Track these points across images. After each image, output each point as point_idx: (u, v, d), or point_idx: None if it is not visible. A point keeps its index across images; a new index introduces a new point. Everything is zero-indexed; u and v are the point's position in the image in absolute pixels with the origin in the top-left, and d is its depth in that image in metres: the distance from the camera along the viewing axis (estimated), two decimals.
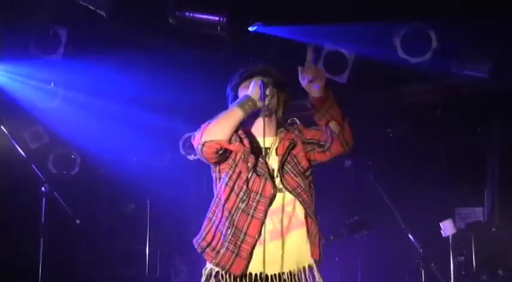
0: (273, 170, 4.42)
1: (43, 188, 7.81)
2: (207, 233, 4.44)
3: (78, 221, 7.74)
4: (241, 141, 4.33)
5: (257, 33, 8.42)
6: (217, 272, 4.34)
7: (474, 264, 8.15)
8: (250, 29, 8.44)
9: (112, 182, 10.00)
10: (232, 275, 4.28)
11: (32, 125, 10.06)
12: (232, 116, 4.20)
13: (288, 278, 4.36)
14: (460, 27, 7.80)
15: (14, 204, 8.70)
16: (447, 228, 7.31)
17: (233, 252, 4.26)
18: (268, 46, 8.71)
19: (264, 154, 4.43)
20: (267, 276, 4.30)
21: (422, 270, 7.22)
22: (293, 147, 4.52)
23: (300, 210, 4.46)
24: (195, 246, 4.51)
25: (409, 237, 7.07)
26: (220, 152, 4.23)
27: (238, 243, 4.25)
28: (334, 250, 8.74)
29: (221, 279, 4.32)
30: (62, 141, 9.85)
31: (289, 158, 4.50)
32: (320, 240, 4.49)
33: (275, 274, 4.32)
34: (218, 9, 8.14)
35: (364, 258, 8.80)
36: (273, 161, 4.46)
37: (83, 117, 9.47)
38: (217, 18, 8.13)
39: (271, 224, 4.33)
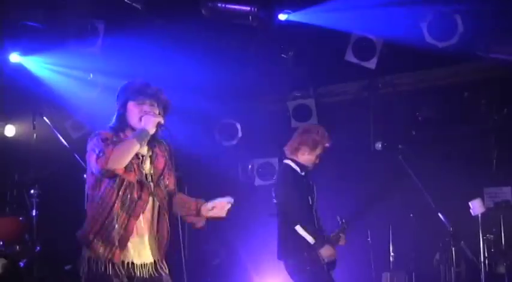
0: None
1: (85, 176, 8.05)
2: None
3: None
4: None
5: (287, 22, 8.59)
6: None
7: (503, 242, 8.25)
8: (280, 17, 8.63)
9: None
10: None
11: (73, 115, 10.35)
12: (133, 149, 4.73)
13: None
14: (485, 11, 7.91)
15: (58, 191, 8.94)
16: (476, 207, 7.41)
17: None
18: (298, 34, 8.87)
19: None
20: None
21: (453, 248, 7.30)
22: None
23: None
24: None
25: (439, 217, 7.05)
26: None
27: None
28: (365, 230, 8.96)
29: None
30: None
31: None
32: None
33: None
34: None
35: (395, 237, 8.93)
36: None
37: None
38: (248, 8, 8.33)
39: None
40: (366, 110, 9.77)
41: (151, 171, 5.03)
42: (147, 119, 4.78)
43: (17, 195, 8.99)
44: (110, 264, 4.82)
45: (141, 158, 4.93)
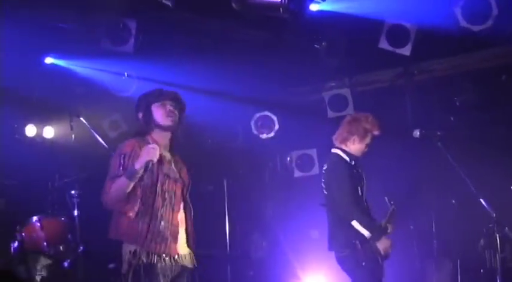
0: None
1: None
2: None
3: None
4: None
5: (319, 12, 8.54)
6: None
7: None
8: (311, 7, 8.58)
9: (189, 165, 10.27)
10: None
11: (110, 114, 10.42)
12: (126, 187, 5.14)
13: None
14: None
15: (98, 191, 8.99)
16: None
17: None
18: (330, 24, 8.83)
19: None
20: None
21: (497, 235, 7.22)
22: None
23: None
24: None
25: (482, 203, 6.92)
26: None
27: None
28: (407, 218, 8.90)
29: None
30: None
31: None
32: None
33: None
34: None
35: (438, 225, 8.87)
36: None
37: None
38: (279, 0, 8.29)
39: None
40: (402, 97, 9.70)
41: (176, 171, 5.47)
42: (142, 154, 5.11)
43: (58, 196, 9.06)
44: (163, 258, 5.24)
45: (163, 159, 5.36)
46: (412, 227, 9.01)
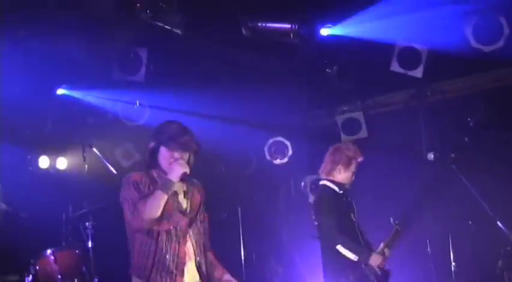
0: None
1: None
2: None
3: None
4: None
5: (329, 37, 8.54)
6: None
7: None
8: (322, 32, 8.59)
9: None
10: None
11: (122, 144, 10.41)
12: (162, 201, 4.94)
13: None
14: None
15: (112, 221, 8.95)
16: None
17: None
18: (341, 48, 8.82)
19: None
20: None
21: None
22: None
23: None
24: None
25: (498, 225, 6.90)
26: None
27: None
28: (424, 241, 8.81)
29: None
30: None
31: None
32: None
33: None
34: (288, 16, 8.31)
35: (455, 246, 8.78)
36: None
37: None
38: (289, 26, 8.30)
39: None
40: (415, 119, 9.64)
41: (187, 205, 5.27)
42: (172, 169, 5.00)
43: (72, 227, 9.04)
44: None
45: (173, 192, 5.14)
46: (428, 249, 8.90)
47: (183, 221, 5.19)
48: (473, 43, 8.01)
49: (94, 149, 8.52)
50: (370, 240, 7.00)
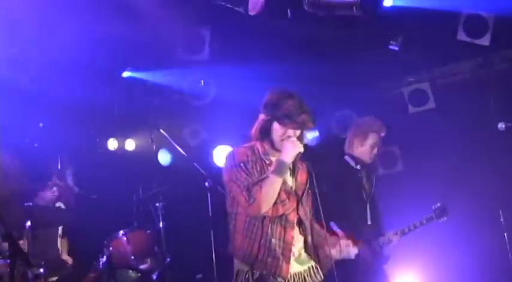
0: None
1: (206, 183, 8.15)
2: None
3: None
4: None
5: (393, 7, 8.40)
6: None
7: None
8: (385, 3, 8.45)
9: None
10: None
11: (189, 123, 10.47)
12: (278, 185, 4.82)
13: None
14: None
15: (181, 201, 9.04)
16: None
17: None
18: (405, 18, 8.67)
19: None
20: None
21: None
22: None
23: None
24: None
25: None
26: None
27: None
28: (497, 211, 8.67)
29: None
30: (218, 136, 10.17)
31: None
32: None
33: None
34: None
35: None
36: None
37: (234, 111, 9.75)
38: None
39: None
40: (484, 88, 9.46)
41: (294, 184, 5.07)
42: (287, 149, 4.84)
43: (142, 208, 9.14)
44: (274, 279, 4.88)
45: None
46: (502, 220, 8.75)
47: (291, 203, 4.99)
48: None
49: (161, 130, 8.55)
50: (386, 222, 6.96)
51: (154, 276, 8.14)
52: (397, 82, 10.27)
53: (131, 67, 9.63)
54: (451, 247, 8.82)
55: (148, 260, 8.05)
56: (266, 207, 4.77)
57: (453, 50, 9.03)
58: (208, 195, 8.16)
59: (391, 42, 9.19)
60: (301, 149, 4.82)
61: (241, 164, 4.88)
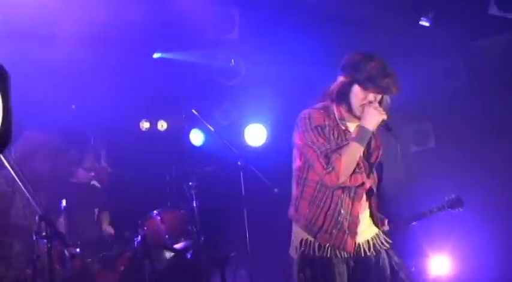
0: None
1: (239, 162, 8.17)
2: None
3: (276, 190, 7.97)
4: None
5: None
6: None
7: None
8: None
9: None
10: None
11: (220, 104, 10.47)
12: (358, 154, 4.65)
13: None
14: None
15: (215, 180, 9.06)
16: None
17: None
18: None
19: None
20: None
21: None
22: None
23: None
24: None
25: None
26: None
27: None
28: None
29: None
30: (249, 115, 10.17)
31: None
32: None
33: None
34: None
35: None
36: None
37: (264, 90, 9.74)
38: None
39: None
40: None
41: (365, 156, 4.84)
42: (370, 115, 4.60)
43: (176, 188, 9.18)
44: (337, 253, 4.73)
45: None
46: None
47: (361, 176, 4.75)
48: None
49: (193, 111, 8.56)
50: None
51: (188, 255, 8.22)
52: (430, 58, 10.16)
53: (162, 48, 9.63)
54: (484, 231, 8.73)
55: (182, 239, 8.08)
56: (344, 177, 4.56)
57: (485, 25, 8.93)
58: (241, 174, 8.18)
59: (421, 18, 9.12)
60: (385, 117, 4.58)
61: (319, 128, 4.63)
